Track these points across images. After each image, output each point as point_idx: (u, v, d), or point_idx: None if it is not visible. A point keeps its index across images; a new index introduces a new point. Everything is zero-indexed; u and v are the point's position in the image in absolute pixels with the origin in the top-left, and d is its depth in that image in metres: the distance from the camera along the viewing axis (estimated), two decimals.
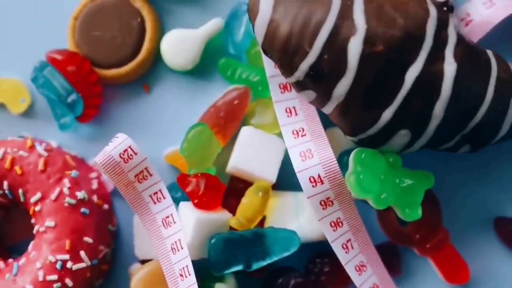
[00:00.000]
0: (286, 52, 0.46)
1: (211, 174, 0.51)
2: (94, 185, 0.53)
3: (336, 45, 0.45)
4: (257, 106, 0.53)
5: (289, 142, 0.50)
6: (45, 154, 0.52)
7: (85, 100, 0.54)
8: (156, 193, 0.51)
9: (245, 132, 0.52)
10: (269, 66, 0.51)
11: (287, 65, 0.46)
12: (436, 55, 0.46)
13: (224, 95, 0.53)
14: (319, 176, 0.48)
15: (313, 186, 0.48)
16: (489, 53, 0.49)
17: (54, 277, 0.50)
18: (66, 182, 0.51)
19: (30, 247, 0.52)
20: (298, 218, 0.52)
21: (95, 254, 0.51)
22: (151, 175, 0.51)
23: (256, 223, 0.52)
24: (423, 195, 0.49)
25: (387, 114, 0.46)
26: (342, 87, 0.45)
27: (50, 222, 0.50)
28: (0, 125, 0.56)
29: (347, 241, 0.50)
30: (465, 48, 0.47)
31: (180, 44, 0.54)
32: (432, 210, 0.52)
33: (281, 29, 0.46)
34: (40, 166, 0.51)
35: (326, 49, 0.45)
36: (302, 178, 0.48)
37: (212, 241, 0.50)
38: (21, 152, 0.52)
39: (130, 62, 0.54)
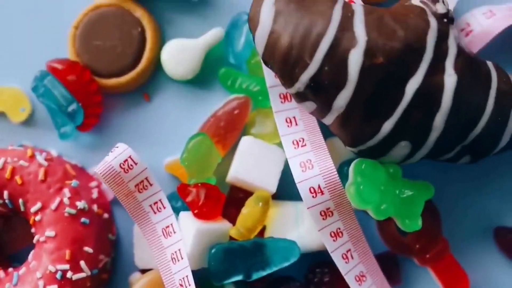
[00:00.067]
0: (286, 64, 0.46)
1: (211, 184, 0.52)
2: (94, 194, 0.53)
3: (336, 57, 0.45)
4: (257, 116, 0.53)
5: (289, 152, 0.50)
6: (45, 163, 0.52)
7: (85, 109, 0.54)
8: (156, 203, 0.51)
9: (245, 142, 0.52)
10: (269, 76, 0.51)
11: (287, 76, 0.46)
12: (437, 67, 0.46)
13: (224, 104, 0.53)
14: (319, 186, 0.48)
15: (313, 196, 0.48)
16: (489, 64, 0.49)
17: (54, 287, 0.50)
18: (66, 191, 0.51)
19: (30, 256, 0.52)
20: (298, 228, 0.52)
21: (95, 264, 0.51)
22: (151, 185, 0.51)
23: (256, 233, 0.52)
24: (423, 206, 0.49)
25: (388, 126, 0.46)
26: (343, 98, 0.45)
27: (50, 232, 0.50)
28: (0, 133, 0.56)
29: (347, 251, 0.50)
30: (465, 60, 0.47)
31: (180, 54, 0.54)
32: (432, 221, 0.52)
33: (282, 41, 0.46)
34: (41, 176, 0.51)
35: (326, 61, 0.45)
36: (302, 189, 0.48)
37: (212, 251, 0.50)
38: (22, 162, 0.52)
39: (130, 71, 0.54)
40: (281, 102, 0.51)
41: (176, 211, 0.52)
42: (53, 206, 0.51)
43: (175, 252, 0.50)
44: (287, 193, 0.53)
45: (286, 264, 0.50)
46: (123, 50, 0.54)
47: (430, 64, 0.46)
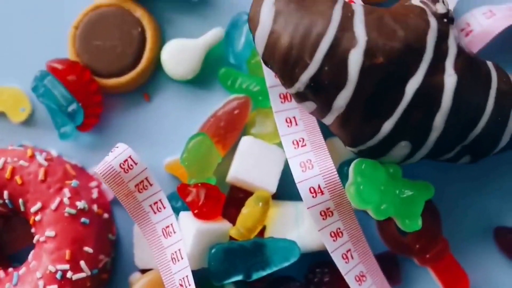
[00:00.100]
0: (286, 64, 0.46)
1: (211, 184, 0.52)
2: (94, 194, 0.53)
3: (336, 57, 0.45)
4: (257, 116, 0.53)
5: (289, 152, 0.50)
6: (45, 163, 0.52)
7: (85, 109, 0.54)
8: (156, 203, 0.51)
9: (245, 142, 0.52)
10: (269, 76, 0.51)
11: (287, 76, 0.46)
12: (437, 67, 0.46)
13: (224, 104, 0.53)
14: (319, 186, 0.48)
15: (313, 196, 0.48)
16: (489, 64, 0.49)
17: (54, 287, 0.50)
18: (66, 192, 0.51)
19: (30, 256, 0.52)
20: (298, 228, 0.52)
21: (95, 264, 0.52)
22: (151, 185, 0.51)
23: (256, 233, 0.52)
24: (423, 206, 0.49)
25: (387, 126, 0.46)
26: (343, 98, 0.45)
27: (50, 232, 0.50)
28: (0, 133, 0.56)
29: (347, 251, 0.50)
30: (465, 60, 0.47)
31: (180, 54, 0.54)
32: (432, 221, 0.52)
33: (282, 41, 0.46)
34: (41, 176, 0.51)
35: (326, 61, 0.45)
36: (302, 189, 0.48)
37: (212, 251, 0.50)
38: (22, 162, 0.52)
39: (130, 71, 0.54)
40: (281, 102, 0.51)
41: (176, 211, 0.52)
42: (53, 206, 0.51)
43: (175, 252, 0.50)
44: (287, 193, 0.53)
45: (286, 264, 0.50)
46: (123, 50, 0.54)
47: (430, 64, 0.46)
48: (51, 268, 0.50)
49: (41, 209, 0.51)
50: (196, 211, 0.51)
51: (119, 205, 0.54)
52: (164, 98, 0.55)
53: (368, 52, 0.45)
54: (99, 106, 0.54)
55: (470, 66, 0.47)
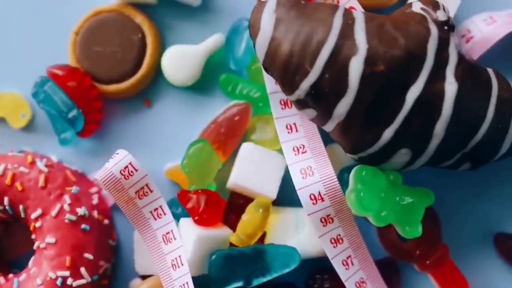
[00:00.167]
0: (287, 71, 0.46)
1: (212, 191, 0.52)
2: (95, 200, 0.53)
3: (337, 64, 0.45)
4: (257, 122, 0.53)
5: (290, 159, 0.50)
6: (46, 170, 0.52)
7: (85, 115, 0.54)
8: (156, 209, 0.51)
9: (246, 149, 0.52)
10: (270, 82, 0.51)
11: (288, 84, 0.46)
12: (437, 74, 0.46)
13: (224, 111, 0.53)
14: (319, 193, 0.48)
15: (313, 203, 0.48)
16: (490, 71, 0.49)
17: None
18: (67, 198, 0.51)
19: (30, 263, 0.52)
20: (298, 234, 0.52)
21: (96, 270, 0.51)
22: (151, 191, 0.51)
23: (257, 239, 0.52)
24: (423, 213, 0.49)
25: (388, 134, 0.46)
26: (343, 106, 0.45)
27: (50, 239, 0.50)
28: (0, 139, 0.56)
29: (347, 258, 0.50)
30: (465, 68, 0.47)
31: (180, 60, 0.54)
32: (432, 227, 0.52)
33: (282, 48, 0.46)
34: (41, 182, 0.51)
35: (327, 69, 0.45)
36: (303, 196, 0.48)
37: (213, 257, 0.50)
38: (22, 168, 0.52)
39: (130, 77, 0.54)
40: (282, 108, 0.51)
41: (177, 217, 0.52)
42: (53, 212, 0.51)
43: (176, 258, 0.50)
44: (287, 199, 0.53)
45: (286, 270, 0.50)
46: (123, 56, 0.54)
47: (430, 72, 0.46)
48: (52, 274, 0.50)
49: (42, 215, 0.51)
50: (196, 218, 0.51)
51: (119, 210, 0.54)
52: (164, 104, 0.55)
53: (369, 60, 0.45)
54: (100, 112, 0.54)
55: (471, 73, 0.47)
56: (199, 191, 0.51)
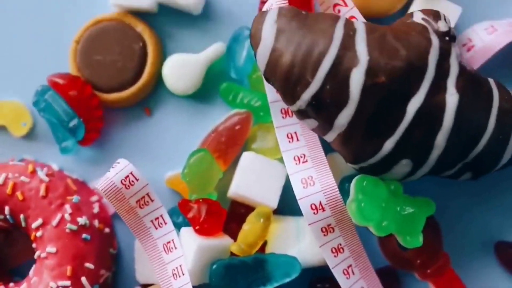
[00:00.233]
0: (288, 81, 0.46)
1: (213, 200, 0.52)
2: (96, 209, 0.53)
3: (338, 75, 0.45)
4: (258, 131, 0.53)
5: (291, 168, 0.50)
6: (47, 179, 0.52)
7: (86, 123, 0.54)
8: (157, 218, 0.51)
9: (247, 158, 0.52)
10: (270, 91, 0.51)
11: (289, 94, 0.46)
12: (438, 85, 0.46)
13: (225, 119, 0.53)
14: (320, 203, 0.48)
15: (314, 213, 0.48)
16: (491, 82, 0.48)
17: None
18: (68, 207, 0.51)
19: (31, 272, 0.52)
20: (299, 243, 0.52)
21: (96, 279, 0.51)
22: (152, 200, 0.51)
23: (257, 248, 0.52)
24: (424, 223, 0.49)
25: (389, 144, 0.46)
26: (344, 117, 0.45)
27: (51, 248, 0.50)
28: (1, 147, 0.56)
29: (348, 267, 0.50)
30: (467, 78, 0.47)
31: (181, 69, 0.54)
32: (433, 236, 0.52)
33: (284, 59, 0.46)
34: (42, 191, 0.51)
35: (328, 80, 0.45)
36: (304, 205, 0.48)
37: (213, 267, 0.50)
38: (23, 178, 0.52)
39: (131, 86, 0.54)
40: (283, 117, 0.51)
41: (177, 226, 0.52)
42: (54, 222, 0.51)
43: (176, 268, 0.50)
44: (288, 207, 0.53)
45: (287, 279, 0.50)
46: (124, 64, 0.54)
47: (431, 83, 0.46)
48: (52, 284, 0.50)
49: (42, 225, 0.51)
50: (197, 227, 0.51)
51: (120, 219, 0.54)
52: (165, 113, 0.55)
53: (370, 71, 0.44)
54: (100, 120, 0.54)
55: (472, 84, 0.47)
56: (200, 200, 0.51)
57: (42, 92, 0.53)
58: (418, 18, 0.47)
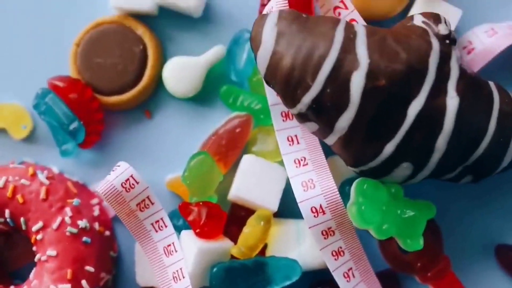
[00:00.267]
0: (288, 85, 0.46)
1: (213, 203, 0.51)
2: (96, 212, 0.53)
3: (338, 79, 0.45)
4: (258, 134, 0.53)
5: (291, 171, 0.50)
6: (47, 182, 0.52)
7: (86, 126, 0.54)
8: (157, 221, 0.51)
9: (247, 160, 0.52)
10: (271, 94, 0.51)
11: (289, 97, 0.46)
12: (439, 88, 0.46)
13: (226, 122, 0.53)
14: (320, 206, 0.48)
15: (314, 216, 0.48)
16: (492, 85, 0.48)
17: None
18: (68, 211, 0.51)
19: (31, 275, 0.52)
20: (299, 246, 0.52)
21: (97, 282, 0.51)
22: (152, 203, 0.51)
23: (258, 251, 0.52)
24: (424, 226, 0.49)
25: (389, 148, 0.46)
26: (345, 120, 0.45)
27: (51, 251, 0.50)
28: (1, 150, 0.56)
29: (349, 270, 0.50)
30: (467, 82, 0.47)
31: (182, 71, 0.54)
32: (434, 239, 0.52)
33: (284, 62, 0.45)
34: (42, 195, 0.51)
35: (328, 83, 0.45)
36: (304, 208, 0.48)
37: (214, 270, 0.50)
38: (23, 181, 0.51)
39: (131, 89, 0.54)
40: (283, 120, 0.51)
41: (178, 229, 0.52)
42: (54, 225, 0.51)
43: (177, 271, 0.50)
44: (288, 210, 0.53)
45: (287, 282, 0.50)
46: (124, 67, 0.54)
47: (432, 86, 0.45)
48: (53, 287, 0.50)
49: (43, 228, 0.51)
50: (197, 230, 0.51)
51: (120, 221, 0.54)
52: (165, 116, 0.55)
53: (370, 75, 0.44)
54: (101, 123, 0.54)
55: (472, 87, 0.47)
56: (201, 203, 0.51)
57: (43, 95, 0.53)
58: (418, 21, 0.47)
